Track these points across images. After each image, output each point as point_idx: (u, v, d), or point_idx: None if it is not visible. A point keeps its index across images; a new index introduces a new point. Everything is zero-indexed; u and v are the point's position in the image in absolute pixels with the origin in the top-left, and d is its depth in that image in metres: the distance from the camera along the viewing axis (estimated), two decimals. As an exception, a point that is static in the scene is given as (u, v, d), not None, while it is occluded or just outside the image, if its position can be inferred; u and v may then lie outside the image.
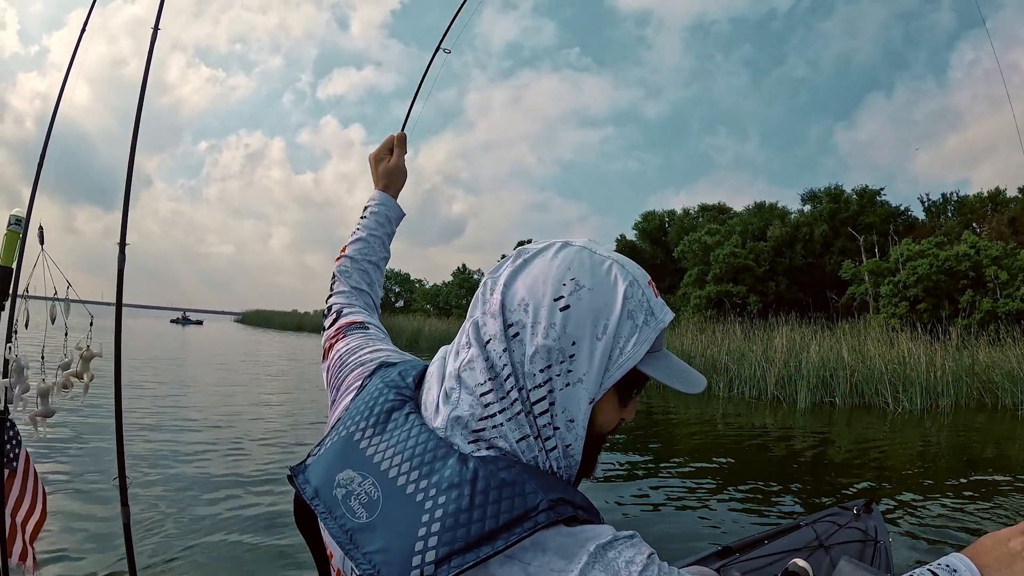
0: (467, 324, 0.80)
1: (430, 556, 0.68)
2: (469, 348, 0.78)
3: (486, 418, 0.76)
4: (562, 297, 0.75)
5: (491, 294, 0.79)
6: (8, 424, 2.22)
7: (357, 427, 0.83)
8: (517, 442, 0.76)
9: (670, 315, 0.82)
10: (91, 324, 2.53)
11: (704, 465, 7.53)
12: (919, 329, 17.24)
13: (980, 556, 0.85)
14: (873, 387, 14.34)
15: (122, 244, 2.22)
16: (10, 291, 2.25)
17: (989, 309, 24.23)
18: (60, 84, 2.50)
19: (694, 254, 36.45)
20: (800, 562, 2.23)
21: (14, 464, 2.24)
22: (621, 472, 6.79)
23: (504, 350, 0.75)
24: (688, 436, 9.95)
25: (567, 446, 0.77)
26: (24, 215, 2.31)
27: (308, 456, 0.86)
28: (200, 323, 71.49)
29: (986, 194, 34.97)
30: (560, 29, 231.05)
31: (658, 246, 43.09)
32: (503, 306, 0.77)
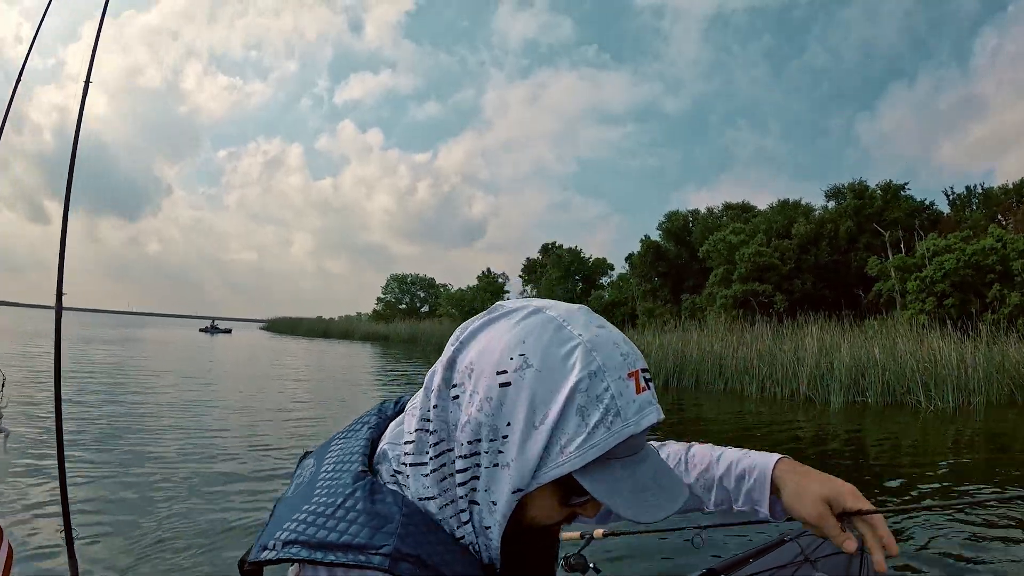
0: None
1: (288, 534, 0.71)
2: (423, 389, 0.78)
3: (403, 465, 0.76)
4: (505, 372, 0.70)
5: (450, 344, 0.76)
6: None
7: (347, 428, 0.90)
8: (420, 500, 0.74)
9: (650, 419, 0.71)
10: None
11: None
12: (948, 325, 17.23)
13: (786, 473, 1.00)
14: (905, 386, 14.38)
15: (59, 294, 2.45)
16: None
17: (1018, 303, 24.28)
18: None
19: (719, 253, 36.63)
20: None
21: None
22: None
23: (435, 407, 0.74)
24: (719, 436, 10.15)
25: (486, 527, 0.73)
26: None
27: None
28: (229, 331, 71.26)
29: (1011, 186, 34.82)
30: (577, 25, 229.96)
31: (683, 246, 43.16)
32: (452, 363, 0.74)
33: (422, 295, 72.29)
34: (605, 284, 52.27)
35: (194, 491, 5.45)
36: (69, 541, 2.30)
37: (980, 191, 37.31)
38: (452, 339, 0.76)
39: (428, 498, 0.74)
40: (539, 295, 51.46)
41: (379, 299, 74.47)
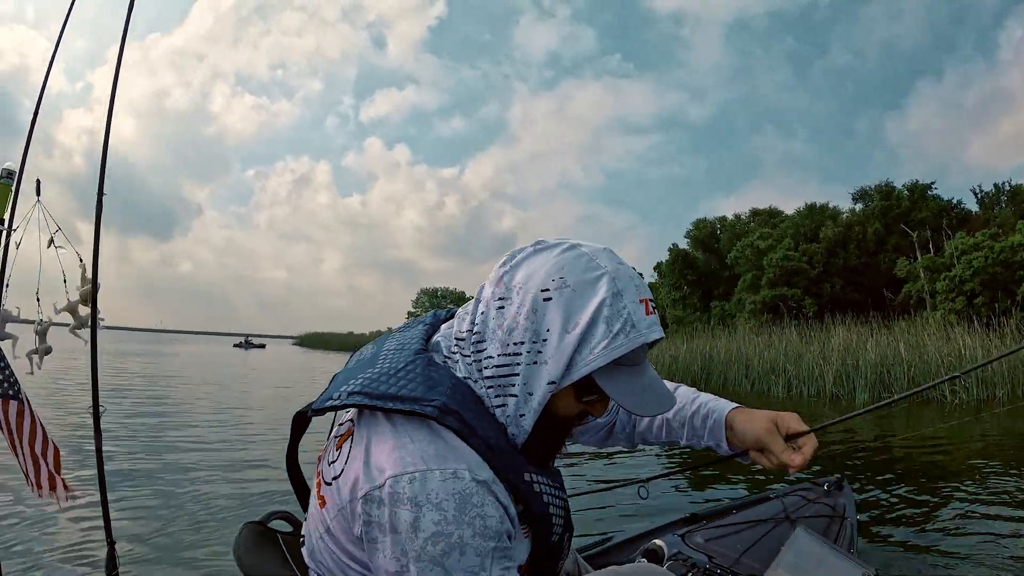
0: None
1: (352, 387, 0.89)
2: (474, 300, 0.94)
3: (452, 352, 0.94)
4: (547, 289, 0.86)
5: (500, 267, 0.92)
6: (0, 356, 2.19)
7: (404, 325, 1.08)
8: (465, 379, 0.91)
9: (657, 334, 0.89)
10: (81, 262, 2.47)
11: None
12: (976, 323, 17.20)
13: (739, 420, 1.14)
14: (931, 381, 14.13)
15: (94, 281, 2.37)
16: (2, 241, 2.35)
17: (1048, 298, 24.01)
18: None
19: (747, 259, 36.65)
20: (658, 541, 2.31)
21: (20, 395, 2.17)
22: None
23: (482, 313, 0.91)
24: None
25: (520, 415, 0.89)
26: (16, 168, 2.38)
27: None
28: (263, 347, 72.04)
29: (1041, 181, 34.29)
30: (600, 36, 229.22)
31: (711, 253, 43.13)
32: (501, 280, 0.90)
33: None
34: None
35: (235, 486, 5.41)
36: (109, 541, 2.27)
37: (1008, 188, 36.88)
38: (501, 263, 0.93)
39: (472, 379, 0.91)
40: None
41: (409, 313, 75.27)
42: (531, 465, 0.92)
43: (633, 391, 0.89)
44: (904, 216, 35.36)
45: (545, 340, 0.86)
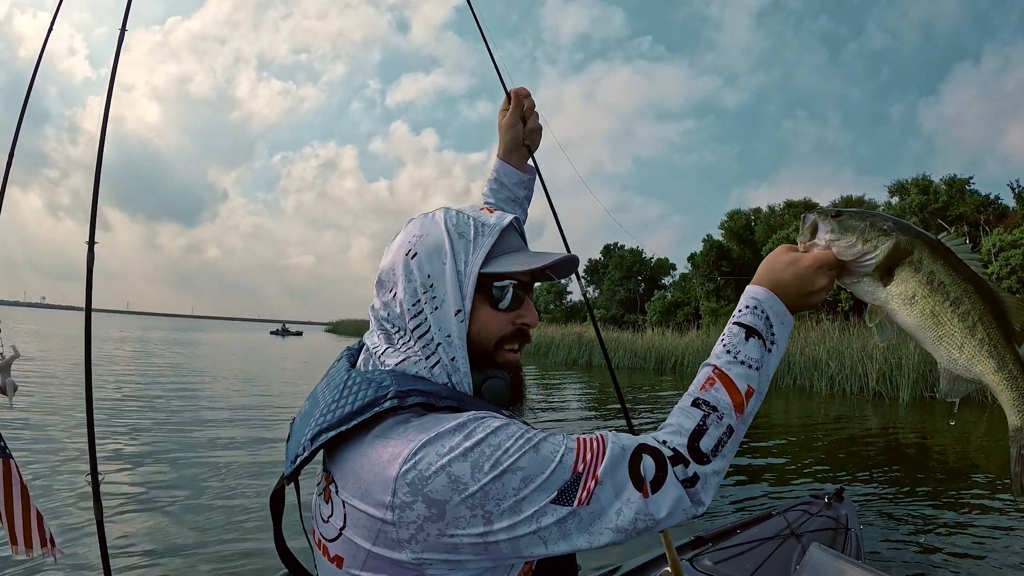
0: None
1: (310, 434, 0.88)
2: (373, 318, 0.99)
3: (378, 359, 0.97)
4: (409, 251, 0.95)
5: (380, 280, 0.99)
6: None
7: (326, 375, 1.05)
8: (397, 364, 0.94)
9: (507, 217, 0.99)
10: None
11: (801, 463, 7.77)
12: None
13: (776, 279, 1.00)
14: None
15: (91, 243, 2.14)
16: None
17: (1087, 297, 23.97)
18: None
19: (783, 252, 36.36)
20: (669, 568, 2.13)
21: (6, 451, 2.11)
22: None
23: (386, 312, 0.96)
24: (785, 428, 10.75)
25: (452, 359, 0.93)
26: None
27: None
28: (300, 334, 72.59)
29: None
30: (629, 17, 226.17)
31: (746, 245, 43.23)
32: (380, 282, 0.99)
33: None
34: (667, 284, 52.59)
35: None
36: (102, 541, 2.08)
37: (1048, 183, 36.52)
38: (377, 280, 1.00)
39: (402, 362, 0.94)
40: (601, 296, 52.01)
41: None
42: (504, 410, 0.96)
43: (520, 261, 0.97)
44: (942, 211, 35.35)
45: (432, 285, 0.93)
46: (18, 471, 2.11)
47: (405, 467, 0.79)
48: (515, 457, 0.79)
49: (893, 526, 4.84)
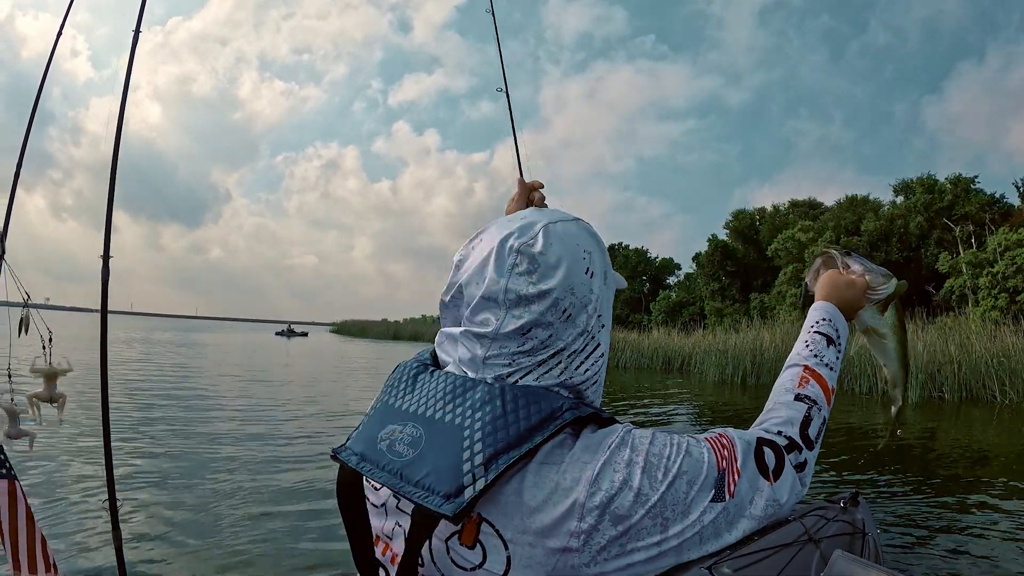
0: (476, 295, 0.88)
1: (478, 459, 0.76)
2: (503, 312, 0.85)
3: (514, 367, 0.86)
4: (588, 268, 0.89)
5: (521, 275, 0.86)
6: None
7: (390, 396, 0.92)
8: (537, 378, 0.86)
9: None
10: (50, 339, 2.36)
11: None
12: (1021, 321, 17.10)
13: (840, 295, 1.22)
14: (980, 381, 14.38)
15: (106, 257, 2.16)
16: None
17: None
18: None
19: (788, 252, 36.89)
20: None
21: (11, 473, 2.10)
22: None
23: (539, 320, 0.85)
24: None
25: (598, 375, 0.92)
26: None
27: (348, 438, 0.92)
28: (305, 335, 71.94)
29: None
30: (631, 16, 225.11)
31: (750, 245, 43.32)
32: (529, 295, 0.85)
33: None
34: (672, 284, 52.82)
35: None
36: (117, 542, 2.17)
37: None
38: (514, 267, 0.87)
39: (544, 373, 0.87)
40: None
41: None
42: None
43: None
44: (947, 210, 35.20)
45: (601, 303, 0.92)
46: (23, 493, 2.09)
47: (591, 489, 0.77)
48: (678, 463, 0.82)
49: (908, 529, 4.78)
